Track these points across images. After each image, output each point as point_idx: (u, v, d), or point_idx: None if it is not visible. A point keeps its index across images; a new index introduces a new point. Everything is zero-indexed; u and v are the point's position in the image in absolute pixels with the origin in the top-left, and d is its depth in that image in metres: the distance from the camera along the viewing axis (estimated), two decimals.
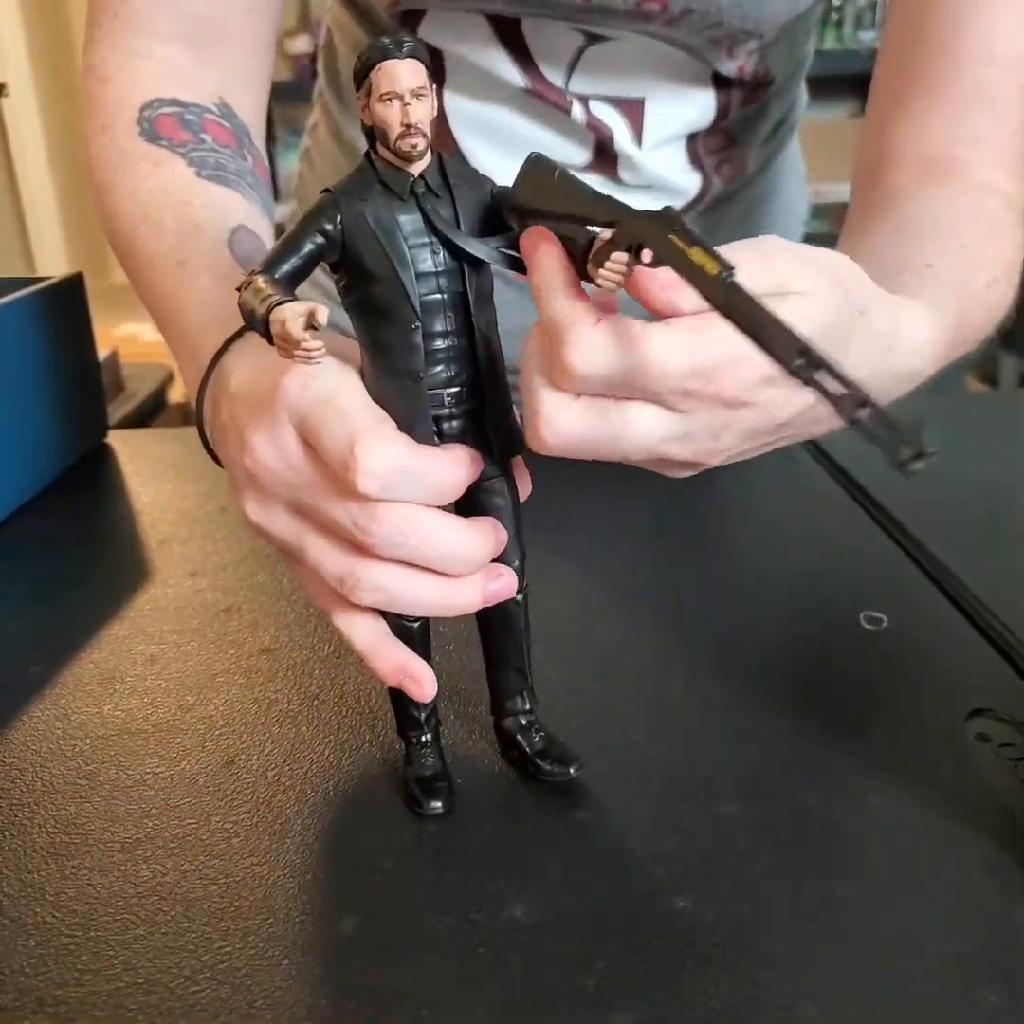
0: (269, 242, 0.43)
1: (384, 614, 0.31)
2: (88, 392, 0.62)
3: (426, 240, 0.28)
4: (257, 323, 0.27)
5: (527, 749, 0.33)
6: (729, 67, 0.58)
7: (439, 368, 0.29)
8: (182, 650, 0.41)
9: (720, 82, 0.59)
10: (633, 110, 0.60)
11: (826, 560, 0.48)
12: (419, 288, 0.28)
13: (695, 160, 0.63)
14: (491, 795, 0.32)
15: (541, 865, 0.29)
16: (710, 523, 0.52)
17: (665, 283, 0.26)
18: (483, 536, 0.30)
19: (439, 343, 0.29)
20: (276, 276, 0.28)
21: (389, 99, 0.26)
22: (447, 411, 0.29)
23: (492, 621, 0.33)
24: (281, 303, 0.26)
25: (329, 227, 0.28)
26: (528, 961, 0.26)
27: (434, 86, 0.27)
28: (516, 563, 0.32)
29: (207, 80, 0.50)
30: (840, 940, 0.27)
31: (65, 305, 0.58)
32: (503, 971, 0.26)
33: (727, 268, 0.24)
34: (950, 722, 0.35)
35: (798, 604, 0.44)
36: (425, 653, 0.32)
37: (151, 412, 2.13)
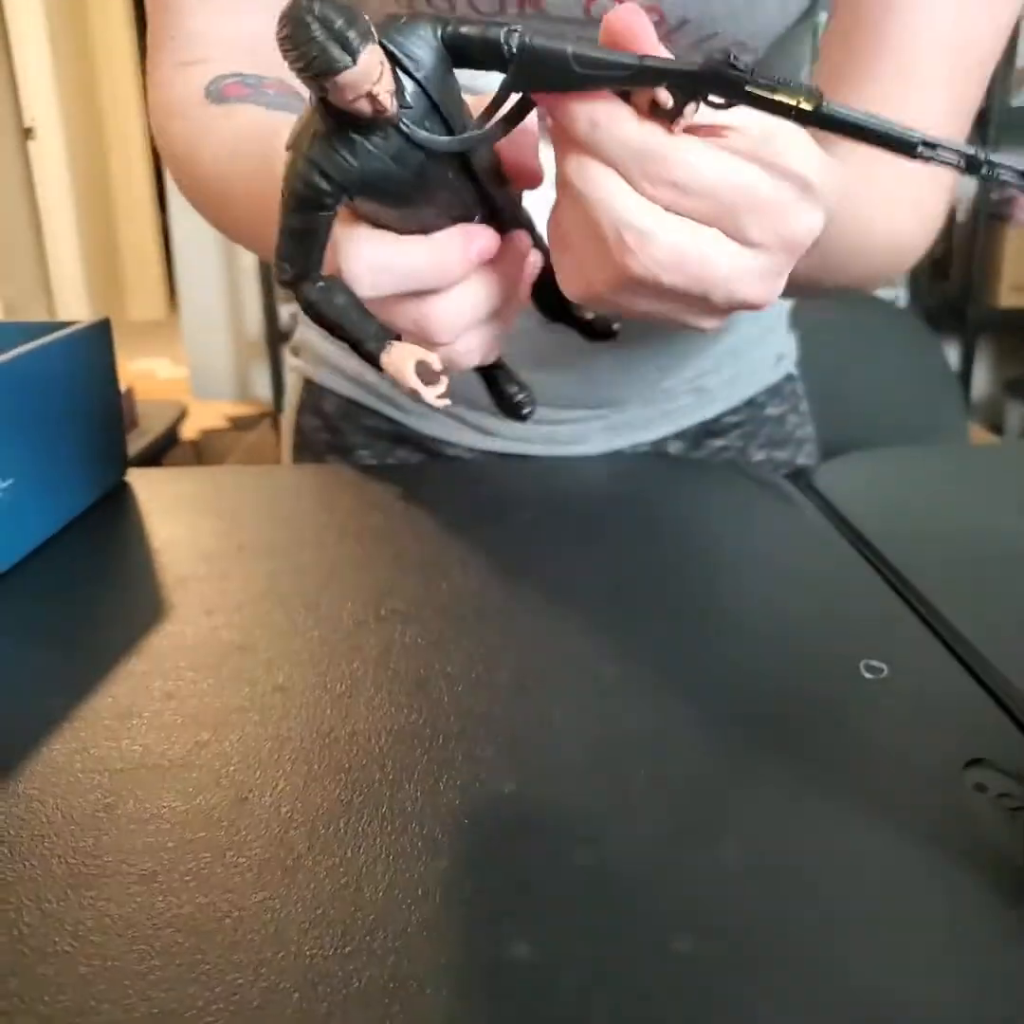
0: None
1: None
2: (110, 433, 0.63)
3: (414, 148, 0.29)
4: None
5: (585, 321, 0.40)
6: None
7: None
8: (198, 687, 0.42)
9: None
10: None
11: (826, 609, 0.49)
12: (426, 187, 0.30)
13: None
14: (495, 837, 0.33)
15: (543, 906, 0.30)
16: (710, 571, 0.53)
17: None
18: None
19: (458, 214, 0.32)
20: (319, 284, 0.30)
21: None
22: None
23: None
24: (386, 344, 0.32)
25: (329, 200, 0.29)
26: (529, 1001, 0.27)
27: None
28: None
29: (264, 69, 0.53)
30: (839, 986, 0.28)
31: (92, 349, 0.60)
32: (505, 1010, 0.27)
33: (817, 96, 0.26)
34: (948, 771, 0.36)
35: (798, 652, 0.45)
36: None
37: (164, 448, 2.16)
